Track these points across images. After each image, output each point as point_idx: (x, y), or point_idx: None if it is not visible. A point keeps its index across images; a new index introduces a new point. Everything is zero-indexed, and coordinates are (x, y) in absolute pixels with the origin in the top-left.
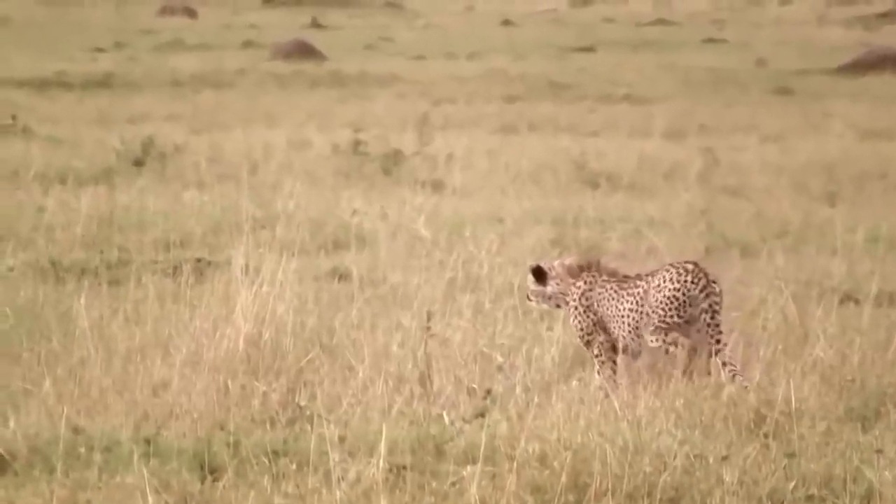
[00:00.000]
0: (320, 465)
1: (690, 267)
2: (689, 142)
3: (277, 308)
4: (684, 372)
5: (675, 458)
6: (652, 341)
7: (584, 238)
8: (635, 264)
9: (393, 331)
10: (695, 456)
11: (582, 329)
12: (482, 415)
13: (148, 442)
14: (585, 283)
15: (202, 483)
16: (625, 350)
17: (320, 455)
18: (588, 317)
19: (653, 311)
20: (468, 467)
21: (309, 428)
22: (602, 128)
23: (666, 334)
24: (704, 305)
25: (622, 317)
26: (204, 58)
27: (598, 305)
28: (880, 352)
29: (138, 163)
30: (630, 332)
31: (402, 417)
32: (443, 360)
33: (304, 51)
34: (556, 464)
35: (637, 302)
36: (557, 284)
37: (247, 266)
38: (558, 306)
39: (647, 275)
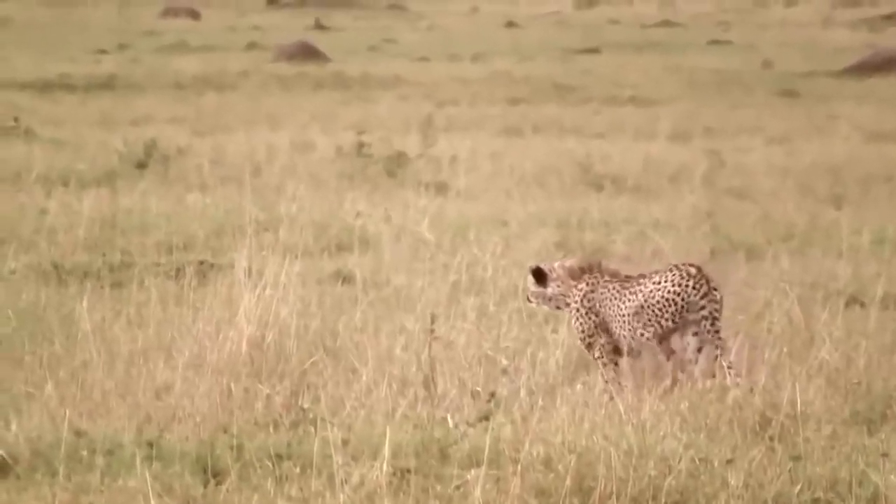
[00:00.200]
0: (324, 469)
1: (693, 271)
2: (694, 144)
3: (281, 311)
4: (673, 382)
5: (679, 461)
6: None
7: (589, 241)
8: (640, 267)
9: (397, 334)
10: (700, 459)
11: (584, 331)
12: (486, 418)
13: (150, 445)
14: (588, 284)
15: (205, 487)
16: (629, 352)
17: (324, 458)
18: (590, 319)
19: (649, 308)
20: (472, 471)
21: (312, 431)
22: (607, 130)
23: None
24: (705, 312)
25: (623, 317)
26: (207, 59)
27: (600, 307)
28: (886, 355)
29: (141, 165)
30: (631, 332)
31: (406, 421)
32: (447, 363)
33: (307, 52)
34: (560, 467)
35: (639, 301)
36: (558, 286)
37: (250, 269)
38: (559, 308)
39: (649, 274)
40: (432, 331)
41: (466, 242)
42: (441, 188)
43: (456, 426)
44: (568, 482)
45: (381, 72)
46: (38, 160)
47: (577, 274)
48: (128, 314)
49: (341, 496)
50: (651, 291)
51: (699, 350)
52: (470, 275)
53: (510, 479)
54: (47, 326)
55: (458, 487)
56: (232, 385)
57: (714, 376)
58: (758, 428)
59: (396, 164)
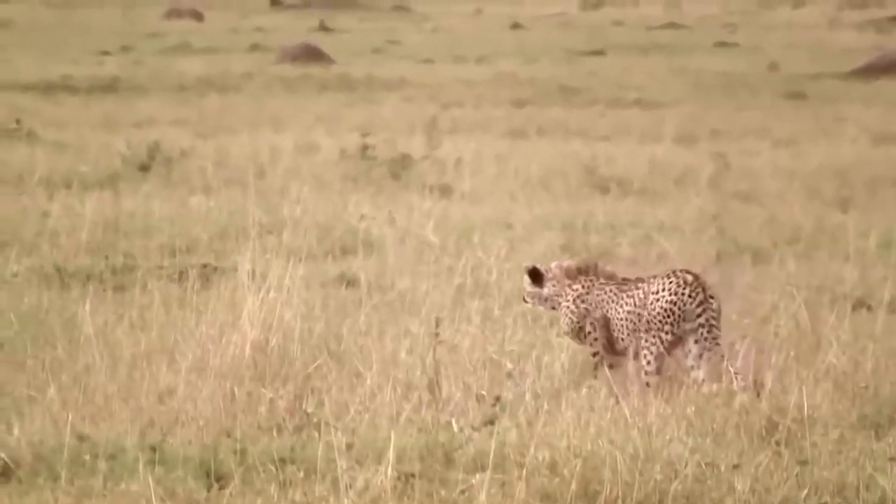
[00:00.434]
0: (328, 473)
1: (689, 279)
2: (700, 146)
3: (284, 314)
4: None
5: (686, 466)
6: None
7: (595, 244)
8: (641, 269)
9: (401, 337)
10: (706, 464)
11: (570, 330)
12: (491, 422)
13: (153, 449)
14: (583, 286)
15: (208, 491)
16: (623, 352)
17: (328, 462)
18: (578, 319)
19: (649, 318)
20: (477, 475)
21: (316, 435)
22: (612, 132)
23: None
24: (702, 320)
25: (621, 319)
26: (210, 61)
27: (595, 308)
28: (894, 358)
29: (144, 167)
30: (629, 334)
31: (411, 425)
32: (451, 366)
33: (311, 54)
34: (566, 471)
35: (636, 304)
36: (554, 286)
37: (253, 272)
38: (554, 308)
39: (647, 278)
40: (437, 334)
41: (471, 245)
42: (445, 191)
43: (461, 430)
44: (573, 487)
45: (385, 74)
46: (40, 162)
47: (573, 274)
48: (130, 317)
49: (345, 501)
50: (650, 303)
51: (701, 357)
52: (475, 278)
53: (515, 483)
54: (49, 330)
55: (462, 492)
56: (235, 389)
57: (720, 381)
58: (764, 432)
59: (401, 166)
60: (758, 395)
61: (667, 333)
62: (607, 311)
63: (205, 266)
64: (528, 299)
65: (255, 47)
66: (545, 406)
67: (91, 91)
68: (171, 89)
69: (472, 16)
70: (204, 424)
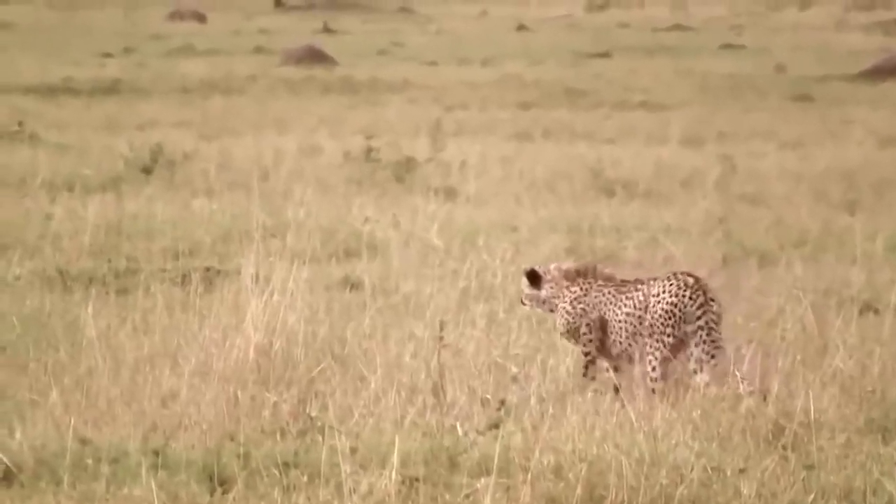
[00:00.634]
0: (332, 477)
1: (690, 281)
2: (706, 149)
3: (288, 317)
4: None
5: (692, 470)
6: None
7: (600, 247)
8: (650, 273)
9: (405, 341)
10: (712, 468)
11: (567, 331)
12: (496, 426)
13: (156, 453)
14: (581, 288)
15: (211, 495)
16: (619, 356)
17: (332, 467)
18: (575, 320)
19: (652, 321)
20: (482, 479)
21: (320, 439)
22: (618, 135)
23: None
24: (701, 322)
25: (619, 321)
26: (214, 63)
27: (593, 311)
28: None
29: (147, 170)
30: (628, 337)
31: (415, 429)
32: (456, 370)
33: (315, 56)
34: (571, 476)
35: (636, 306)
36: (552, 288)
37: (257, 275)
38: (552, 311)
39: (647, 280)
40: (441, 338)
41: (476, 248)
42: (450, 193)
43: (465, 434)
44: (579, 491)
45: (389, 76)
46: (42, 165)
47: (571, 277)
48: (133, 321)
49: None
50: (651, 305)
51: (703, 360)
52: (479, 281)
53: (520, 487)
54: (52, 333)
55: (467, 496)
56: (239, 393)
57: (725, 384)
58: (771, 437)
59: (405, 168)
60: (764, 399)
61: (668, 336)
62: (605, 313)
63: (208, 269)
64: (526, 301)
65: (258, 49)
66: (550, 410)
67: (93, 93)
68: (174, 91)
69: (476, 17)
70: (207, 428)
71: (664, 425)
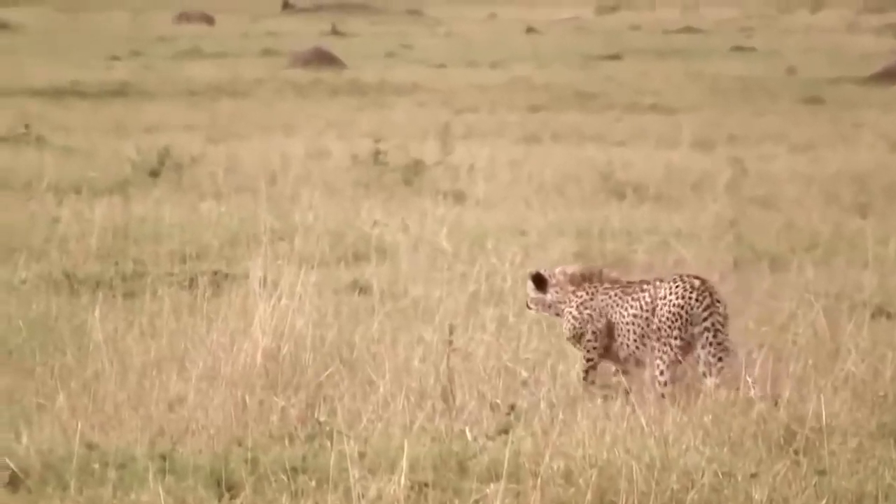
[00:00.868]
0: (340, 483)
1: (697, 283)
2: (717, 152)
3: (296, 322)
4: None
5: (702, 475)
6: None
7: (610, 250)
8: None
9: (414, 345)
10: (723, 473)
11: (572, 336)
12: (506, 431)
13: (163, 458)
14: (586, 292)
15: (219, 501)
16: (627, 359)
17: (340, 472)
18: (582, 326)
19: (659, 323)
20: (491, 485)
21: (328, 444)
22: (628, 137)
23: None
24: (707, 324)
25: (626, 323)
26: (221, 66)
27: (600, 315)
28: None
29: (154, 173)
30: (636, 339)
31: (424, 433)
32: (465, 374)
33: (323, 59)
34: (581, 481)
35: (642, 308)
36: (557, 292)
37: (265, 279)
38: (558, 314)
39: (653, 281)
40: (450, 342)
41: (485, 252)
42: (459, 197)
43: (475, 439)
44: (589, 496)
45: (397, 78)
46: (49, 168)
47: (577, 280)
48: (140, 325)
49: None
50: (658, 308)
51: (712, 363)
52: (489, 285)
53: (530, 493)
54: (59, 337)
55: (476, 502)
56: (247, 397)
57: (735, 388)
58: (782, 441)
59: (413, 172)
60: (775, 403)
61: (675, 339)
62: (611, 316)
63: (216, 273)
64: (531, 305)
65: (266, 52)
66: (560, 415)
67: (101, 96)
68: (182, 94)
69: (485, 20)
70: (215, 433)
71: (675, 430)
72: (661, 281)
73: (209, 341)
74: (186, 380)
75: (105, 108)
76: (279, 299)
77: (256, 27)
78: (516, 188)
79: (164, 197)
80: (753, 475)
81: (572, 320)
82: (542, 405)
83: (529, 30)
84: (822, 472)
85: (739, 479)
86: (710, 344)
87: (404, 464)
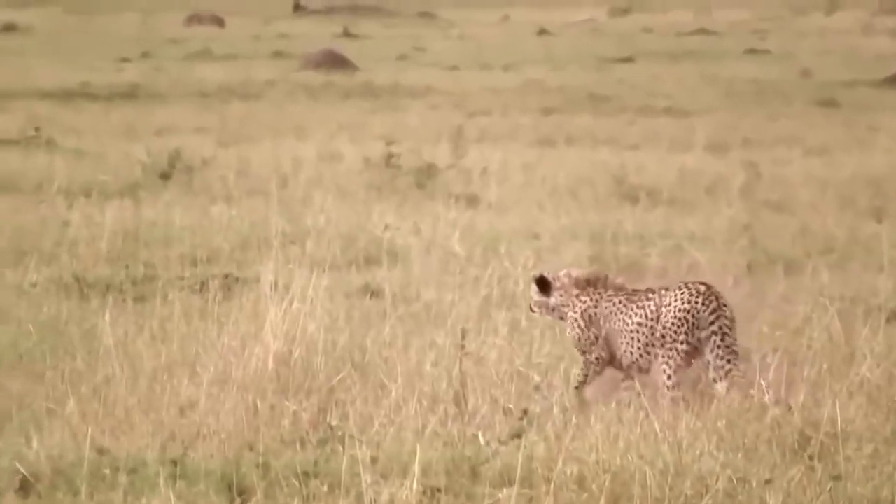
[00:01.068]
0: (352, 487)
1: (702, 289)
2: (731, 155)
3: (308, 326)
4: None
5: (717, 481)
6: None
7: (624, 254)
8: (670, 282)
9: (427, 349)
10: (737, 479)
11: (579, 343)
12: (518, 436)
13: (175, 463)
14: (591, 298)
15: None
16: (630, 367)
17: (352, 477)
18: (587, 332)
19: (664, 330)
20: (504, 490)
21: (340, 449)
22: (642, 141)
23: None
24: (715, 328)
25: (630, 331)
26: (232, 68)
27: (604, 322)
28: None
29: (165, 176)
30: (640, 347)
31: (437, 438)
32: (478, 379)
33: (335, 61)
34: (594, 486)
35: (647, 316)
36: (561, 296)
37: (276, 282)
38: (562, 318)
39: (658, 289)
40: (463, 346)
41: (497, 256)
42: (472, 200)
43: (487, 444)
44: (602, 502)
45: (410, 81)
46: (59, 171)
47: (581, 284)
48: (151, 329)
49: None
50: (664, 315)
51: (721, 368)
52: (501, 289)
53: (543, 498)
54: (69, 341)
55: None
56: (258, 402)
57: (747, 393)
58: (797, 447)
59: (426, 175)
60: (790, 408)
61: (682, 343)
62: (615, 324)
63: (227, 276)
64: (534, 308)
65: (277, 54)
66: (573, 420)
67: (111, 98)
68: (192, 97)
69: (498, 23)
70: (226, 438)
71: (689, 435)
72: (667, 290)
73: (220, 345)
74: (197, 384)
75: (115, 111)
76: (290, 303)
77: (267, 29)
78: (529, 191)
79: (175, 200)
80: (768, 481)
81: (577, 329)
82: (555, 410)
83: (542, 32)
84: (837, 478)
85: (754, 484)
86: (719, 347)
87: (416, 468)
